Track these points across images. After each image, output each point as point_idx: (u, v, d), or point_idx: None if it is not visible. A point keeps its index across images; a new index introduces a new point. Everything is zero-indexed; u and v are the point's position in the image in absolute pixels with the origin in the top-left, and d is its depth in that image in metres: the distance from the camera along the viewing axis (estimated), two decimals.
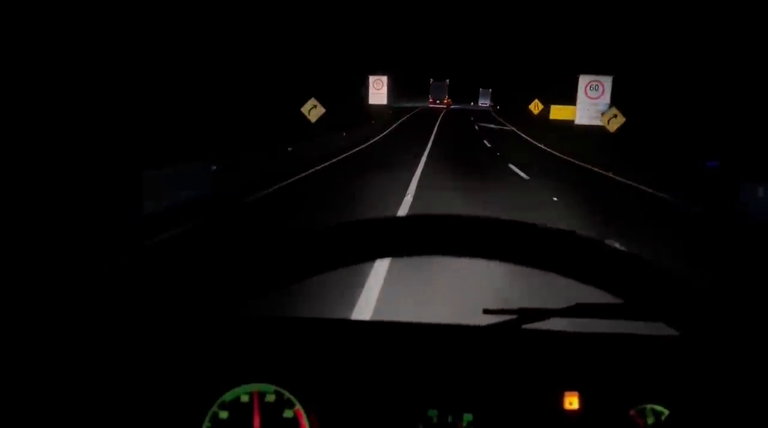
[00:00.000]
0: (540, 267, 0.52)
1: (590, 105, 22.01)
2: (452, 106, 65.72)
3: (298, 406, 0.67)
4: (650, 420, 0.67)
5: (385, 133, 23.96)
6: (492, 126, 35.32)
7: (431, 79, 67.51)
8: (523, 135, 27.23)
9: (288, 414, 0.67)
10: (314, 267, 0.51)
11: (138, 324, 0.52)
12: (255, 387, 0.67)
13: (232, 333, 0.70)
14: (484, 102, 71.24)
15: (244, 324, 0.72)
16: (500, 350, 0.73)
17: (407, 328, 0.78)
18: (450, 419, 0.68)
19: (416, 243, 0.52)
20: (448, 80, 67.91)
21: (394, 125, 30.29)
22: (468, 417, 0.68)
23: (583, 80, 22.14)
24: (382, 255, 0.53)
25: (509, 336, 0.76)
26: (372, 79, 34.58)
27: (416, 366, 0.69)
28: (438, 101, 65.34)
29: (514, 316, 0.76)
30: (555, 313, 0.76)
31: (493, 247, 0.52)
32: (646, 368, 0.69)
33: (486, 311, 0.79)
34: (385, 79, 34.57)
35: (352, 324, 0.90)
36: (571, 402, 0.67)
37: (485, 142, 22.33)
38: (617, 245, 2.13)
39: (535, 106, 31.35)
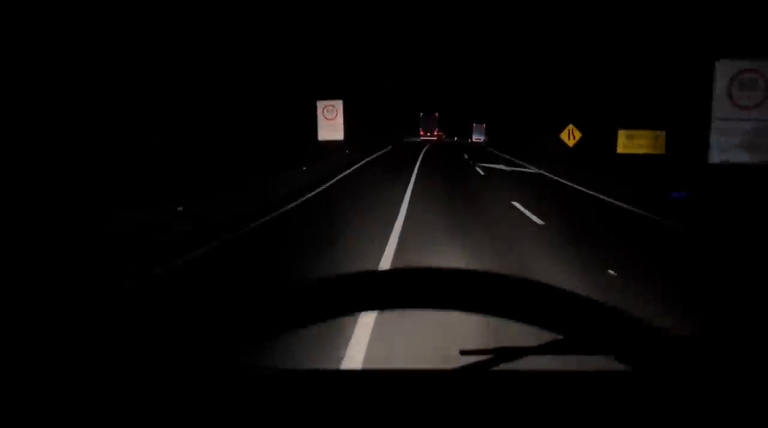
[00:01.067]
0: (503, 317, 0.55)
1: (741, 121, 10.01)
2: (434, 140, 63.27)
3: None
4: None
5: (300, 199, 11.67)
6: (502, 167, 21.89)
7: (421, 113, 67.85)
8: (585, 190, 14.09)
9: None
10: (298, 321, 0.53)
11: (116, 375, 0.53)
12: None
13: (202, 385, 0.64)
14: (478, 137, 65.57)
15: (209, 377, 0.65)
16: (472, 394, 0.69)
17: (378, 376, 0.76)
18: None
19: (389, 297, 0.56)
20: (437, 113, 67.92)
21: (344, 174, 18.17)
22: None
23: (726, 69, 10.01)
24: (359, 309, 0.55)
25: (480, 379, 0.73)
26: (322, 105, 23.10)
27: (388, 416, 0.66)
28: (429, 134, 65.14)
29: (490, 356, 0.75)
30: (532, 351, 0.74)
31: (443, 298, 0.55)
32: (620, 406, 0.65)
33: (463, 352, 0.79)
34: (339, 104, 23.25)
35: (313, 374, 0.74)
36: None
37: (518, 207, 10.04)
38: None
39: (570, 135, 21.07)
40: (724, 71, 10.16)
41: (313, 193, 12.53)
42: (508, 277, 0.57)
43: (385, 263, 5.78)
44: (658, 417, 0.59)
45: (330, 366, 2.99)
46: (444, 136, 67.93)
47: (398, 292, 0.57)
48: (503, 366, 0.73)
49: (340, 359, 3.18)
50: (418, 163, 23.67)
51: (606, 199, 12.05)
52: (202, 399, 0.59)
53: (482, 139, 63.84)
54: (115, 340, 2.98)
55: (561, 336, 0.61)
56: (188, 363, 0.53)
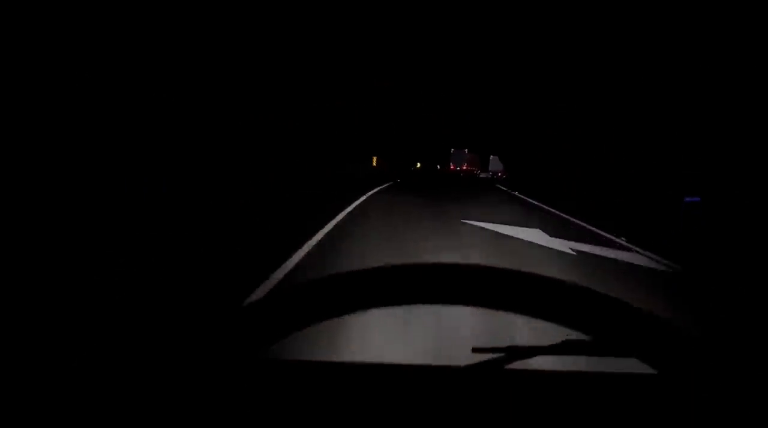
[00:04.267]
0: (518, 312, 0.54)
1: None
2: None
3: None
4: None
5: None
6: None
7: (452, 149, 72.89)
8: None
9: None
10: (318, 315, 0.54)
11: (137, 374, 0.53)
12: None
13: (208, 377, 0.62)
14: (495, 168, 66.33)
15: (230, 369, 0.64)
16: (486, 391, 0.70)
17: (394, 371, 0.76)
18: None
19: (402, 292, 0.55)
20: (467, 149, 72.56)
21: None
22: None
23: None
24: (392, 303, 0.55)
25: (495, 377, 0.74)
26: None
27: (403, 411, 0.66)
28: (458, 168, 70.97)
29: (501, 354, 0.76)
30: (543, 351, 0.75)
31: (467, 294, 0.55)
32: (632, 407, 0.66)
33: (475, 349, 0.80)
34: None
35: (328, 366, 0.76)
36: None
37: None
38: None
39: None
40: None
41: None
42: (533, 275, 0.56)
43: None
44: (676, 420, 0.59)
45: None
46: (477, 170, 70.43)
47: (425, 287, 0.56)
48: (515, 365, 0.74)
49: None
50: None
51: None
52: (220, 389, 0.61)
53: (500, 171, 63.65)
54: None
55: (575, 336, 0.59)
56: (207, 355, 0.53)
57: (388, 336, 3.18)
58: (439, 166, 71.50)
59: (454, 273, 0.56)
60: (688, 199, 13.52)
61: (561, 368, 0.73)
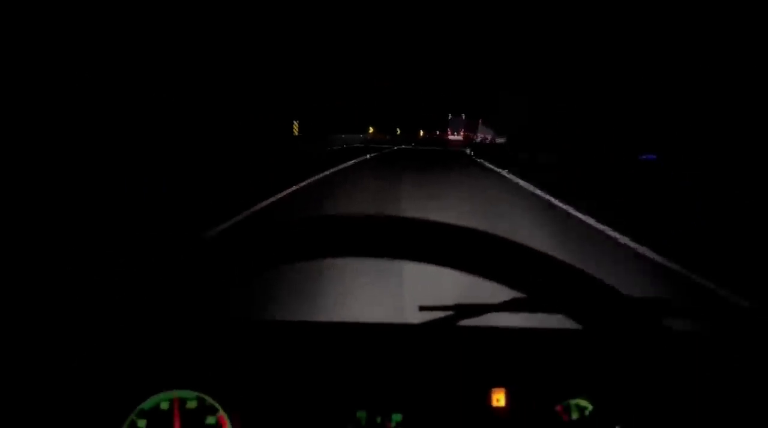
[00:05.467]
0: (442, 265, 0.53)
1: None
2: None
3: (221, 412, 0.65)
4: (575, 415, 0.66)
5: None
6: None
7: (450, 115, 72.13)
8: None
9: (210, 420, 0.65)
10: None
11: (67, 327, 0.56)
12: (175, 393, 0.64)
13: (151, 336, 0.65)
14: (484, 133, 64.54)
15: (163, 327, 0.66)
16: (431, 348, 0.70)
17: (338, 328, 0.75)
18: (379, 420, 0.66)
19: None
20: (463, 115, 72.31)
21: None
22: (397, 417, 0.66)
23: None
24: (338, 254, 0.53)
25: (441, 334, 0.74)
26: None
27: (345, 367, 0.66)
28: (456, 134, 69.19)
29: (450, 313, 0.76)
30: (491, 308, 0.75)
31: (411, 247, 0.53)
32: (571, 363, 0.68)
33: (422, 308, 0.81)
34: None
35: (277, 324, 0.75)
36: (498, 398, 0.65)
37: None
38: None
39: None
40: None
41: None
42: (472, 231, 0.54)
43: None
44: (603, 375, 0.61)
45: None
46: (473, 136, 67.47)
47: (361, 239, 0.54)
48: (465, 322, 0.74)
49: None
50: None
51: None
52: (132, 350, 0.61)
53: (489, 137, 61.10)
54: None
55: (518, 293, 0.59)
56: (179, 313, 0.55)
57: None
58: (399, 131, 60.23)
59: (387, 226, 0.54)
60: (642, 156, 13.92)
61: (508, 325, 0.72)
